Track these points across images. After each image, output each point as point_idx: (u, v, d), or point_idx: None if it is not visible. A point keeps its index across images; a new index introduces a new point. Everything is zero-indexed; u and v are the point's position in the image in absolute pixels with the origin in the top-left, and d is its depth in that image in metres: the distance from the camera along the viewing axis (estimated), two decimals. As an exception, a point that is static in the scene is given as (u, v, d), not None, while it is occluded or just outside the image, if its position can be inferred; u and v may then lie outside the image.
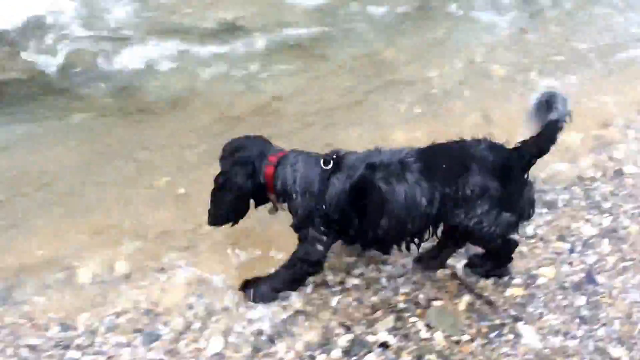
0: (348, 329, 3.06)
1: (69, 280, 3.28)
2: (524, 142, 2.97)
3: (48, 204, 3.73)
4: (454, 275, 3.30)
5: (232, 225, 3.12)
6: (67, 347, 2.93)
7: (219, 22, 5.50)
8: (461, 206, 2.86)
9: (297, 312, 3.14)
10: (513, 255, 3.23)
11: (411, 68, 5.20)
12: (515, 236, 3.13)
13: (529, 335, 3.02)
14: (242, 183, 2.95)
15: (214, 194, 3.04)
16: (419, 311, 3.14)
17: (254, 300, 3.17)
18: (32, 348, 2.91)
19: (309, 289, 3.25)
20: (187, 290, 3.25)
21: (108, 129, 4.31)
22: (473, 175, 2.81)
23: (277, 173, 2.94)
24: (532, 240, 3.53)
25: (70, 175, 3.93)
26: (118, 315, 3.09)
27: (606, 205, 3.76)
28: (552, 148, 3.01)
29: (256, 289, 3.18)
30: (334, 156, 2.93)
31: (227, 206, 3.02)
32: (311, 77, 5.04)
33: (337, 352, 2.95)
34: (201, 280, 3.31)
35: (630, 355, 2.91)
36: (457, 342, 3.00)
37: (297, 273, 3.10)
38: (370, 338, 3.01)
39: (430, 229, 3.00)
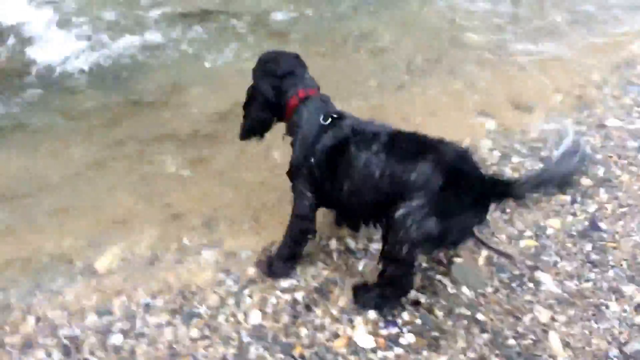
0: (378, 291, 3.18)
1: (95, 269, 3.25)
2: (500, 179, 2.91)
3: (58, 199, 3.65)
4: (469, 233, 3.45)
5: (258, 139, 3.22)
6: (107, 332, 2.94)
7: (198, 8, 5.47)
8: (402, 192, 2.78)
9: (327, 280, 3.23)
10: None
11: (392, 40, 5.31)
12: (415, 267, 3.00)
13: (547, 281, 3.23)
14: (266, 91, 3.08)
15: (245, 107, 3.18)
16: (442, 269, 3.29)
17: (270, 276, 3.24)
18: (72, 338, 2.90)
19: (334, 256, 3.35)
20: (215, 268, 3.29)
21: (107, 122, 4.24)
22: (425, 163, 2.76)
23: (297, 109, 3.05)
24: (536, 195, 3.72)
25: (76, 170, 3.86)
26: (153, 297, 3.11)
27: (597, 157, 4.00)
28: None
29: (270, 264, 3.26)
30: (335, 115, 2.99)
31: (252, 116, 3.15)
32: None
33: (372, 313, 3.07)
34: (226, 256, 3.35)
35: (641, 290, 3.16)
36: (483, 294, 3.17)
37: (292, 231, 3.17)
38: (402, 298, 3.14)
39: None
